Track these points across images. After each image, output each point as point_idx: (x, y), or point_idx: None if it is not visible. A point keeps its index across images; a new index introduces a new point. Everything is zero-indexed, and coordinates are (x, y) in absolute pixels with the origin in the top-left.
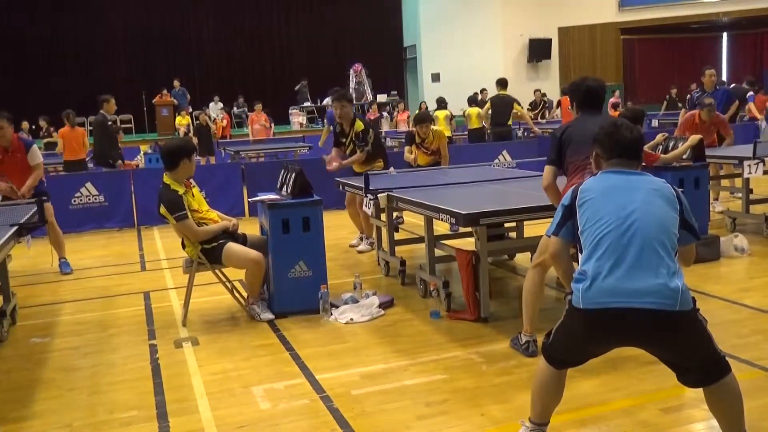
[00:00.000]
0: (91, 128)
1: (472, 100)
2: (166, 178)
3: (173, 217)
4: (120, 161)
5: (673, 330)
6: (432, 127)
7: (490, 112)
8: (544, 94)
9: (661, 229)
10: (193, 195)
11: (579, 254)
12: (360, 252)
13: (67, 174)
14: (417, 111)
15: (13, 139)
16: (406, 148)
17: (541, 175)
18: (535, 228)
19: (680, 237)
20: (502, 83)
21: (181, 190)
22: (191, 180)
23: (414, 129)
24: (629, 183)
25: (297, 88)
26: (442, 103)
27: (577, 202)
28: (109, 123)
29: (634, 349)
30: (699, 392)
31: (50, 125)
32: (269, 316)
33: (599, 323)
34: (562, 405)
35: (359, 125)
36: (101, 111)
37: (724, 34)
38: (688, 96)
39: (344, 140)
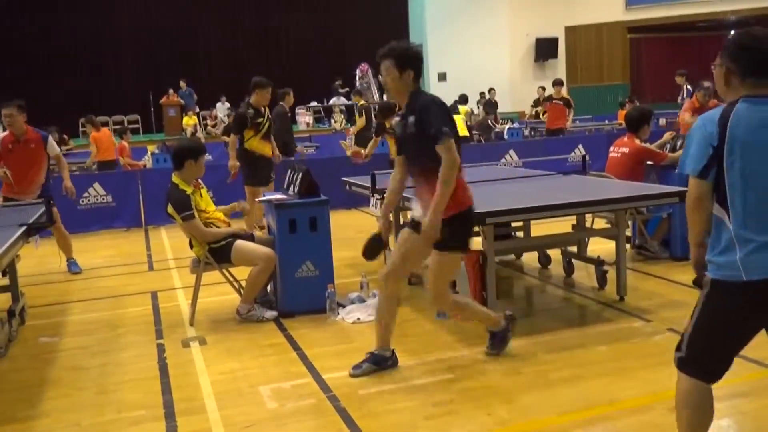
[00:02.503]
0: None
1: (464, 100)
2: (175, 178)
3: (180, 217)
4: (296, 151)
5: None
6: None
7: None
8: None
9: None
10: (201, 195)
11: (723, 211)
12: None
13: (75, 174)
14: None
15: (27, 129)
16: (372, 142)
17: (548, 174)
18: (542, 227)
19: None
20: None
21: (189, 190)
22: (200, 181)
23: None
24: None
25: (358, 87)
26: (464, 100)
27: (726, 146)
28: (288, 114)
29: (639, 348)
30: None
31: (62, 133)
32: (273, 313)
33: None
34: (569, 404)
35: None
36: (281, 103)
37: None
38: None
39: (261, 120)
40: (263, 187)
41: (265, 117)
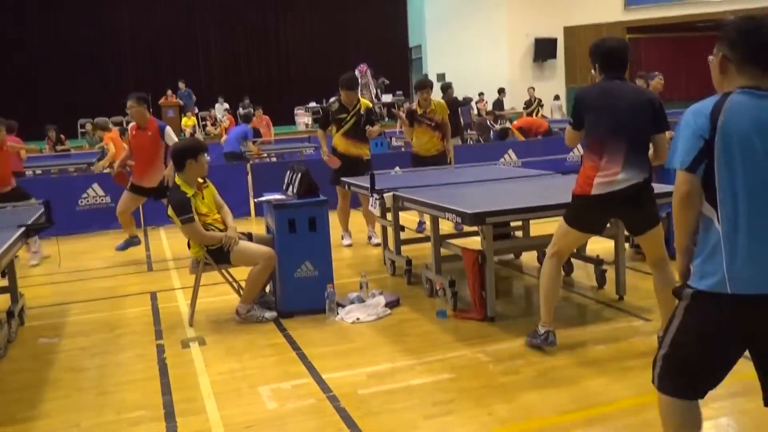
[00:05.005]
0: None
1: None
2: (177, 179)
3: (179, 220)
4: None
5: None
6: (434, 98)
7: None
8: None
9: None
10: (203, 197)
11: (713, 209)
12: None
13: (73, 175)
14: None
15: (147, 118)
16: (406, 129)
17: (547, 174)
18: (541, 227)
19: None
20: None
21: (190, 192)
22: (205, 180)
23: (414, 101)
24: None
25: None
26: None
27: (718, 140)
28: (457, 102)
29: (639, 348)
30: None
31: (59, 132)
32: (272, 313)
33: (758, 313)
34: (569, 404)
35: (366, 102)
36: (444, 94)
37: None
38: None
39: (344, 116)
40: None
41: (350, 113)
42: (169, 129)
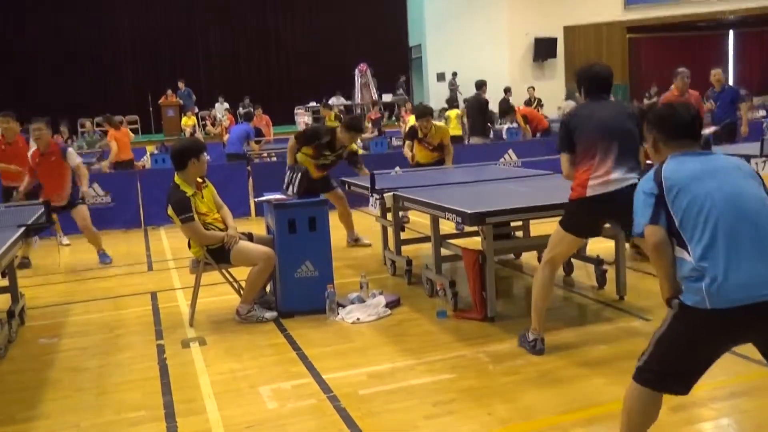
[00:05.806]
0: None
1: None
2: (177, 179)
3: (179, 219)
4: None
5: None
6: (434, 122)
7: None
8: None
9: (763, 207)
10: (202, 197)
11: (682, 249)
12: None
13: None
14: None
15: (50, 143)
16: (406, 144)
17: (548, 174)
18: (541, 227)
19: None
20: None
21: (189, 192)
22: (205, 180)
23: (416, 124)
24: (710, 164)
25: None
26: (453, 102)
27: (666, 193)
28: (487, 102)
29: (639, 348)
30: (708, 392)
31: (96, 126)
32: (273, 313)
33: (734, 322)
34: (569, 404)
35: (354, 147)
36: (477, 92)
37: (731, 32)
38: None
39: (327, 153)
40: None
41: (334, 153)
42: (71, 150)
